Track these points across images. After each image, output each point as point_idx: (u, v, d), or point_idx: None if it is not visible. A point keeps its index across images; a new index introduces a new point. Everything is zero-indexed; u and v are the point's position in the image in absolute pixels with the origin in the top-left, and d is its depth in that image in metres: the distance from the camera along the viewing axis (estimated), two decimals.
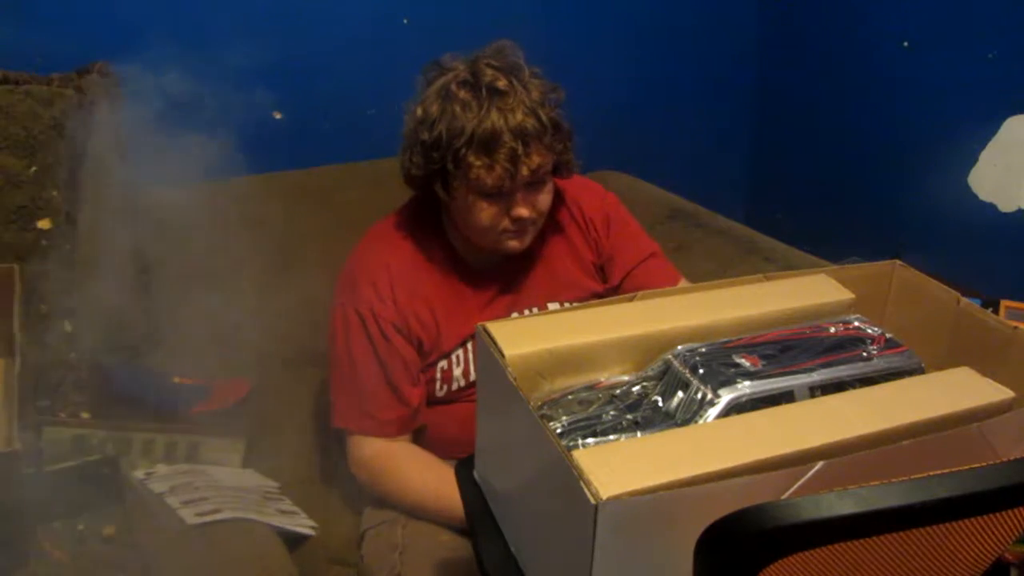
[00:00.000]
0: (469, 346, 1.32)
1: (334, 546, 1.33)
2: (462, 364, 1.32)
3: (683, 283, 1.43)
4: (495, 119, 1.16)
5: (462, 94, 1.19)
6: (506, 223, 1.24)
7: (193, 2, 1.70)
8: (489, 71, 1.19)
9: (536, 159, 1.20)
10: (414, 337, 1.28)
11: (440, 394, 1.32)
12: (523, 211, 1.23)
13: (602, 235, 1.42)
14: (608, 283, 1.42)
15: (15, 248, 1.39)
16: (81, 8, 1.61)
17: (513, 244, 1.28)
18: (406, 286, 1.27)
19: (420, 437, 1.33)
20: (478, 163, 1.17)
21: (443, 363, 1.31)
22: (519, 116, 1.17)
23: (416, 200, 1.36)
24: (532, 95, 1.20)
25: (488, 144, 1.16)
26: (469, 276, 1.33)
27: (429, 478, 1.26)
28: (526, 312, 1.35)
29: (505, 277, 1.35)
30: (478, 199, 1.21)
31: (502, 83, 1.18)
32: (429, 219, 1.34)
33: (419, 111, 1.22)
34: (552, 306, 1.37)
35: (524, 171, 1.19)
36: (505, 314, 1.33)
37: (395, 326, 1.26)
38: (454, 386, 1.32)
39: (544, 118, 1.19)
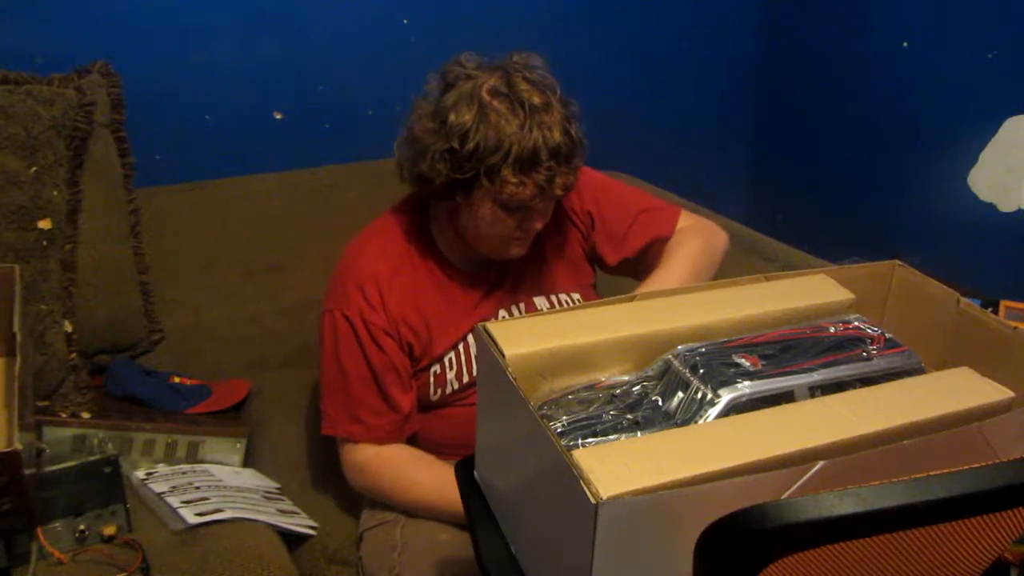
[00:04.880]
0: (461, 348, 1.31)
1: (334, 546, 1.33)
2: (455, 367, 1.31)
3: (683, 218, 1.40)
4: (536, 137, 1.14)
5: (497, 104, 1.16)
6: (516, 232, 1.25)
7: (193, 2, 1.70)
8: (524, 84, 1.17)
9: (570, 178, 1.21)
10: (405, 343, 1.27)
11: (434, 398, 1.32)
12: (539, 224, 1.25)
13: (594, 217, 1.40)
14: (609, 261, 1.41)
15: (15, 248, 1.38)
16: (81, 8, 1.61)
17: (516, 251, 1.28)
18: (395, 292, 1.27)
19: (413, 442, 1.33)
20: (514, 180, 1.16)
21: (436, 367, 1.31)
22: (557, 135, 1.16)
23: (404, 204, 1.36)
24: (564, 110, 1.19)
25: (527, 163, 1.15)
26: (457, 278, 1.32)
27: (431, 476, 1.26)
28: (514, 309, 1.36)
29: (492, 277, 1.35)
30: (499, 211, 1.20)
31: (538, 99, 1.16)
32: (415, 223, 1.33)
33: (452, 117, 1.16)
34: (540, 301, 1.37)
35: (557, 191, 1.20)
36: (494, 314, 1.34)
37: (385, 332, 1.25)
38: (448, 389, 1.31)
39: (575, 136, 1.19)
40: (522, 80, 1.17)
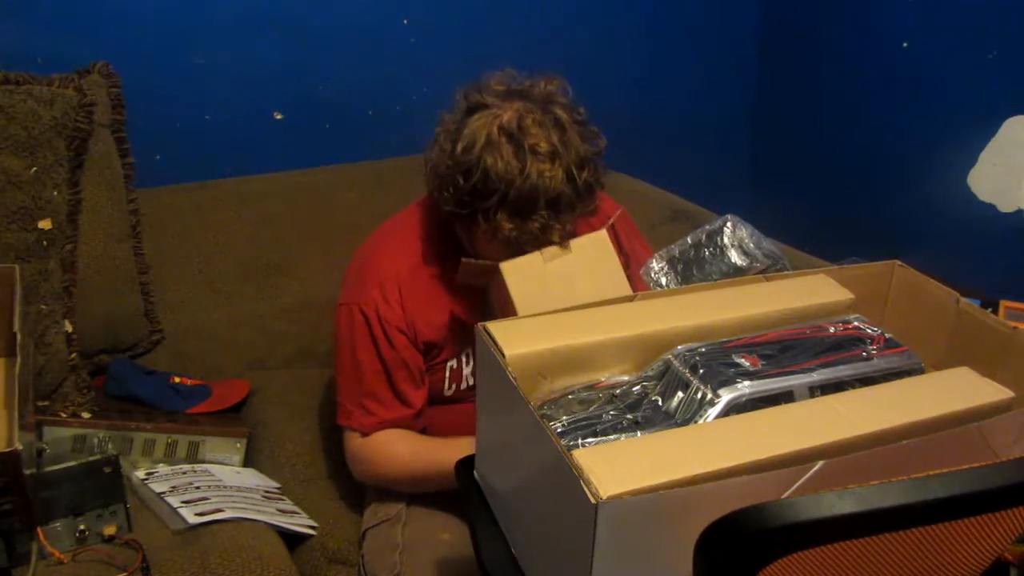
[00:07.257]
0: None
1: (334, 546, 1.33)
2: (472, 363, 1.32)
3: None
4: (534, 185, 1.12)
5: (503, 145, 1.14)
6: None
7: (193, 2, 1.70)
8: (535, 129, 1.14)
9: (568, 227, 1.20)
10: (421, 340, 1.28)
11: (448, 393, 1.32)
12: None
13: (623, 237, 1.42)
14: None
15: (15, 248, 1.38)
16: (81, 8, 1.61)
17: None
18: (415, 289, 1.27)
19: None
20: (508, 225, 1.15)
21: (452, 362, 1.31)
22: (558, 184, 1.13)
23: (428, 201, 1.35)
24: (573, 156, 1.16)
25: (522, 209, 1.14)
26: None
27: (410, 446, 1.28)
28: None
29: None
30: (499, 244, 1.20)
31: (544, 146, 1.14)
32: (439, 222, 1.32)
33: (459, 147, 1.16)
34: None
35: (554, 238, 1.18)
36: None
37: (399, 329, 1.26)
38: (463, 385, 1.32)
39: (580, 184, 1.16)
40: (534, 124, 1.15)
